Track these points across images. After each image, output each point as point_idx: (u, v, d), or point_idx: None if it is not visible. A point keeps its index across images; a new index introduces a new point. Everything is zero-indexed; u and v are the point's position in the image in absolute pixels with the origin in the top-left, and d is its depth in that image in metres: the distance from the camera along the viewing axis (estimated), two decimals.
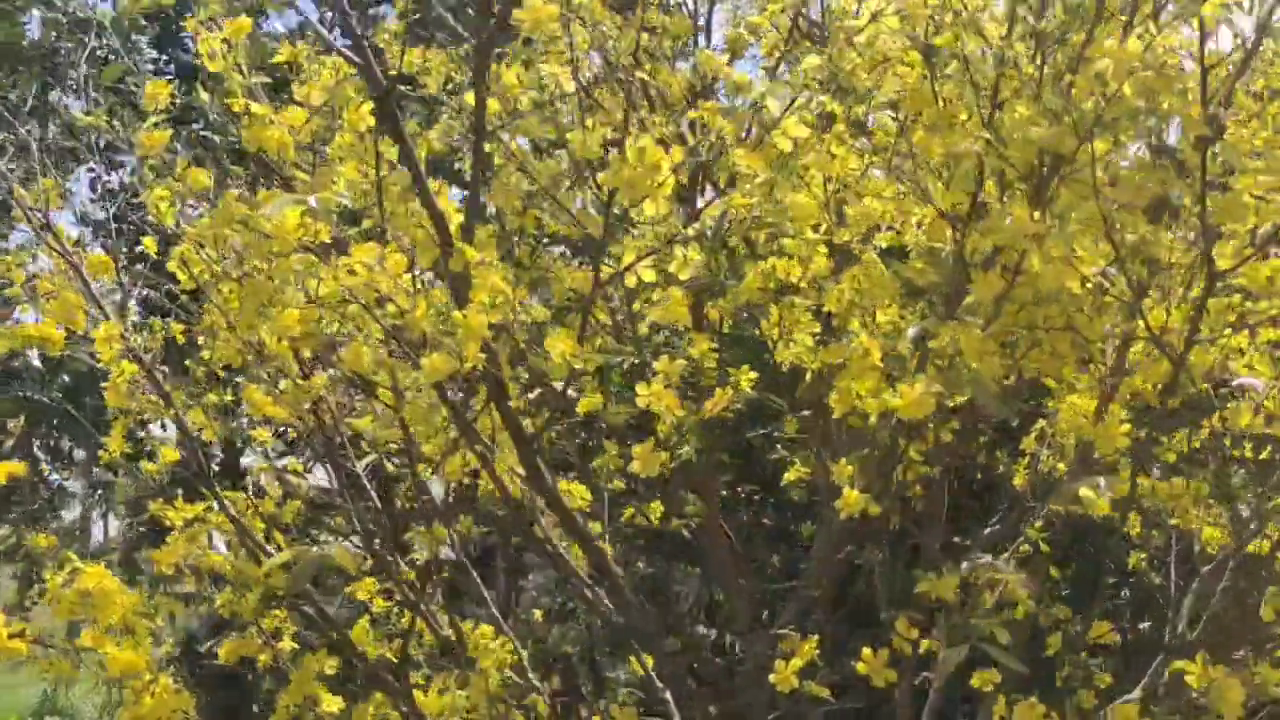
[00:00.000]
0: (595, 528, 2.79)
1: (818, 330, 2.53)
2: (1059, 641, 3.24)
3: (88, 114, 2.51)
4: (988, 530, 2.89)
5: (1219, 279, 2.27)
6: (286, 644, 3.26)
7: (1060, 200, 2.30)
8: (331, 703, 3.09)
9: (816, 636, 2.43)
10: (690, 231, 1.98)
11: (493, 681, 2.75)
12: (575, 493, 2.75)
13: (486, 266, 1.93)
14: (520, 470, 2.33)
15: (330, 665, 3.08)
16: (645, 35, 2.12)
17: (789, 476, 3.03)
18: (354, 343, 2.10)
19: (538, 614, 5.22)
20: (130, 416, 3.12)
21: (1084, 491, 2.39)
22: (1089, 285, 2.35)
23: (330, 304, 2.07)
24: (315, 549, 3.01)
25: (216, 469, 3.19)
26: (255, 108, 2.19)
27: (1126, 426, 2.36)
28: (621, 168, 1.91)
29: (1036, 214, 2.18)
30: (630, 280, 2.05)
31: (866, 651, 2.38)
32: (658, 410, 2.14)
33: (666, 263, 2.07)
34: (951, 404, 2.24)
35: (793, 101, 1.98)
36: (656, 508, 3.00)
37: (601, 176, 1.91)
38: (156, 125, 2.20)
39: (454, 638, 2.87)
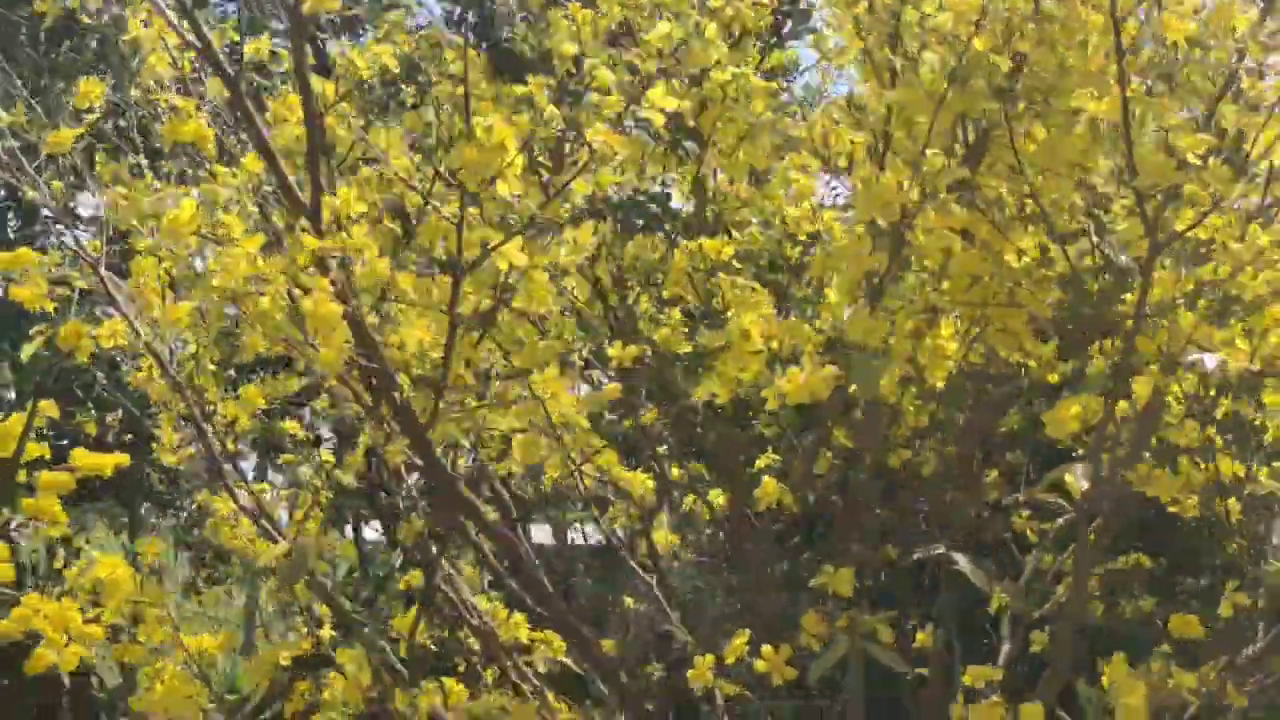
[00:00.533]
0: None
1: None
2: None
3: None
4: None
5: (1159, 248, 2.09)
6: (326, 632, 3.39)
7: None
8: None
9: None
10: (544, 212, 1.93)
11: None
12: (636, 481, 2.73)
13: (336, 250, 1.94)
14: None
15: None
16: None
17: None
18: (251, 335, 2.15)
19: None
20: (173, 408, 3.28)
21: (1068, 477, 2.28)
22: (1024, 260, 2.22)
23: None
24: (314, 539, 3.13)
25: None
26: (178, 102, 2.27)
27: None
28: (465, 148, 1.89)
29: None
30: (502, 264, 2.02)
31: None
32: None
33: (543, 248, 2.04)
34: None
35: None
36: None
37: (446, 158, 1.90)
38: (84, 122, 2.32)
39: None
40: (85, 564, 3.10)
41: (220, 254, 2.10)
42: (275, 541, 3.01)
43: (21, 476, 4.06)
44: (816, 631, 2.14)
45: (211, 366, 2.90)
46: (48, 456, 3.97)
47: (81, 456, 3.59)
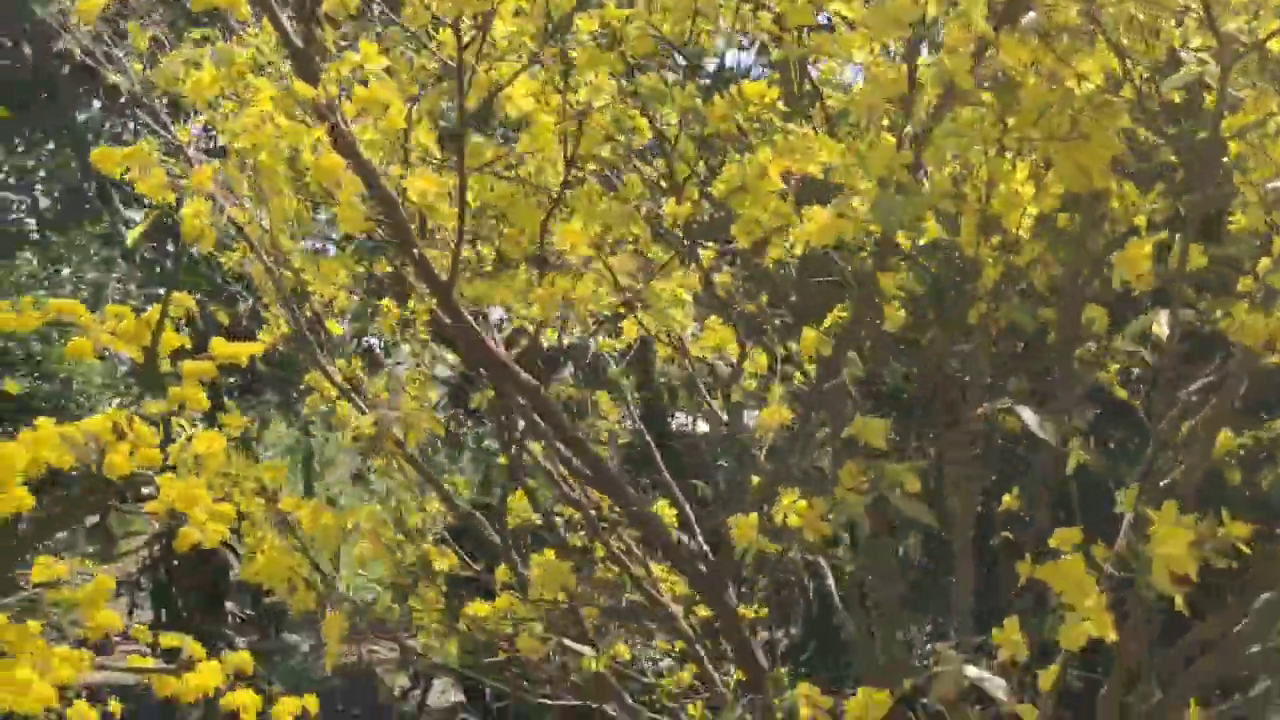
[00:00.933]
0: None
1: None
2: None
3: None
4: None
5: (1230, 60, 1.85)
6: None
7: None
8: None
9: None
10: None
11: None
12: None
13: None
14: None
15: None
16: None
17: None
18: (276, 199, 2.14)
19: None
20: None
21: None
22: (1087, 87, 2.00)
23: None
24: (400, 410, 3.16)
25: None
26: None
27: None
28: None
29: None
30: (511, 109, 1.95)
31: None
32: None
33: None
34: None
35: None
36: None
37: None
38: None
39: None
40: (185, 440, 3.22)
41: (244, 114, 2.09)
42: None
43: (166, 366, 4.24)
44: (854, 484, 2.02)
45: (289, 243, 2.93)
46: (189, 346, 4.13)
47: (219, 346, 3.72)
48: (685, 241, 2.45)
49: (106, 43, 3.04)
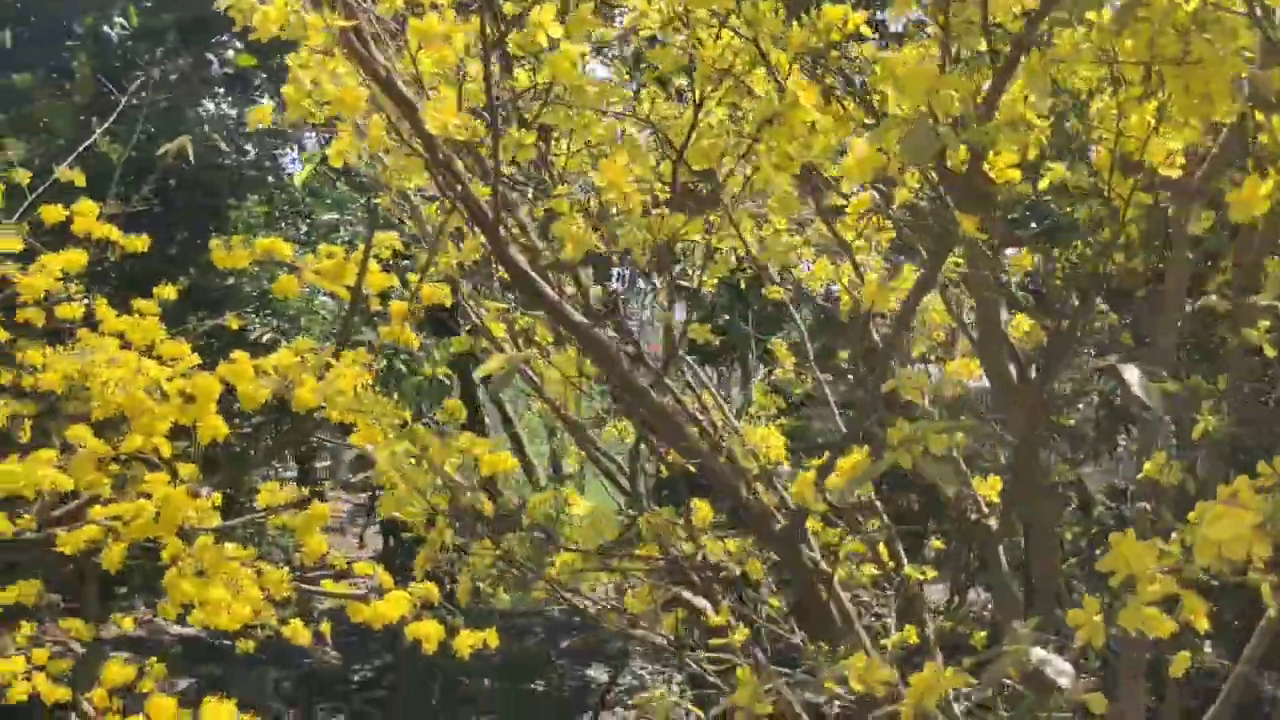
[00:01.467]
0: None
1: None
2: None
3: None
4: None
5: None
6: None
7: None
8: None
9: None
10: None
11: None
12: None
13: None
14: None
15: None
16: None
17: None
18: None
19: None
20: None
21: None
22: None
23: None
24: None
25: None
26: None
27: None
28: None
29: None
30: (540, 36, 1.84)
31: None
32: None
33: None
34: None
35: None
36: None
37: None
38: None
39: None
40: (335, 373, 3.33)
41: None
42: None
43: (375, 305, 4.41)
44: (899, 439, 1.80)
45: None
46: (396, 285, 4.27)
47: (428, 291, 3.84)
48: None
49: None
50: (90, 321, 4.01)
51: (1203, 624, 1.65)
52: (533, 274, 2.13)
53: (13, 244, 4.45)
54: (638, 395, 2.26)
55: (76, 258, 4.48)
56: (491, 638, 3.91)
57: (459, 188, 1.99)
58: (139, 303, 4.34)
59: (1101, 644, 1.71)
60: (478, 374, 3.32)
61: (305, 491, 4.39)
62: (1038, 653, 1.73)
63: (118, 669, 4.16)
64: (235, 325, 4.44)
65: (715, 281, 2.87)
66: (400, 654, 7.93)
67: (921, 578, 3.09)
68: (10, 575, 4.42)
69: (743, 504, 2.33)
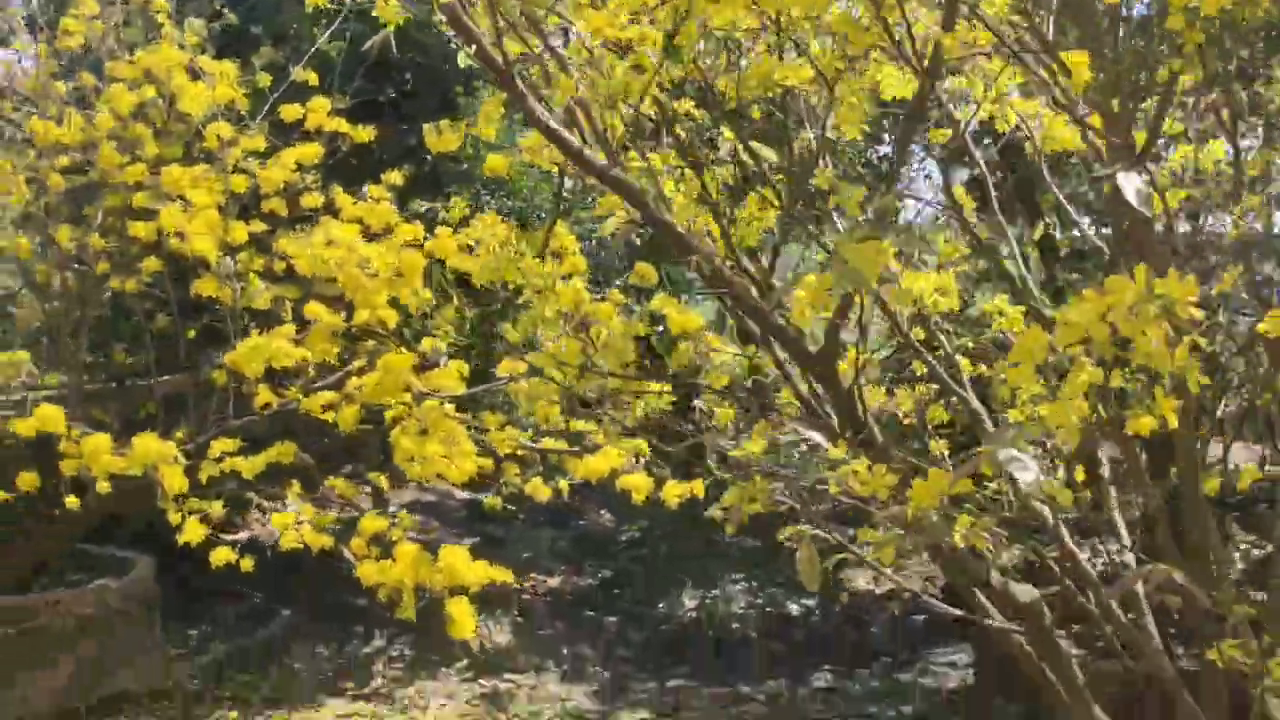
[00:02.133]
0: None
1: None
2: None
3: None
4: None
5: None
6: None
7: None
8: None
9: None
10: None
11: None
12: None
13: None
14: None
15: None
16: None
17: None
18: None
19: None
20: None
21: None
22: None
23: None
24: None
25: None
26: None
27: None
28: None
29: None
30: None
31: None
32: None
33: None
34: None
35: None
36: None
37: None
38: None
39: None
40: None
41: None
42: None
43: None
44: None
45: None
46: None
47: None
48: None
49: None
50: (332, 209, 4.38)
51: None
52: (551, 124, 2.26)
53: (257, 142, 4.90)
54: (656, 225, 2.37)
55: (311, 150, 4.88)
56: (697, 488, 4.12)
57: (474, 46, 2.11)
58: (372, 189, 4.71)
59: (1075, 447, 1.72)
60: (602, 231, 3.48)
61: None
62: (1005, 452, 1.75)
63: (371, 520, 4.62)
64: (462, 206, 4.73)
65: None
66: (660, 517, 8.33)
67: None
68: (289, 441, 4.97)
69: (777, 330, 2.41)
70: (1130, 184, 1.77)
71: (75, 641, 5.81)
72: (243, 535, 7.72)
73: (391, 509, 10.59)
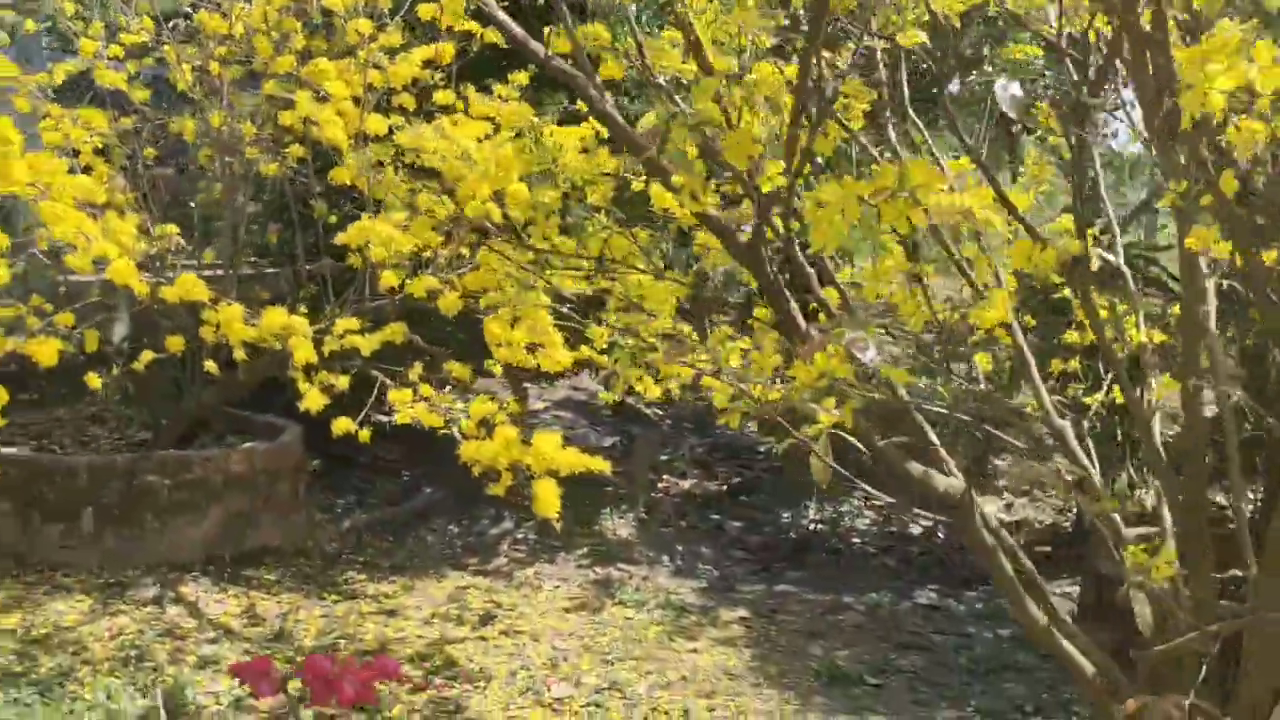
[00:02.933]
0: None
1: None
2: None
3: None
4: None
5: None
6: None
7: None
8: None
9: None
10: None
11: None
12: None
13: None
14: None
15: None
16: None
17: None
18: None
19: None
20: None
21: None
22: None
23: None
24: None
25: None
26: None
27: None
28: None
29: None
30: None
31: None
32: None
33: None
34: None
35: None
36: None
37: None
38: None
39: None
40: None
41: None
42: None
43: None
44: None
45: None
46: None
47: None
48: None
49: None
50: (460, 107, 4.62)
51: None
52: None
53: (394, 39, 5.17)
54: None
55: (443, 50, 5.12)
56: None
57: None
58: (499, 88, 4.94)
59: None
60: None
61: None
62: (850, 335, 1.85)
63: (480, 404, 4.91)
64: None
65: None
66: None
67: None
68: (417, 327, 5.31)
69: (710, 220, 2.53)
70: (1006, 92, 1.83)
71: (223, 496, 6.36)
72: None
73: (542, 404, 11.00)
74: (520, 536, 7.49)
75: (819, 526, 8.14)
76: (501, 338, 4.20)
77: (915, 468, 2.55)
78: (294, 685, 2.30)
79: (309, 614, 5.95)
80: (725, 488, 8.99)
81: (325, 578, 6.50)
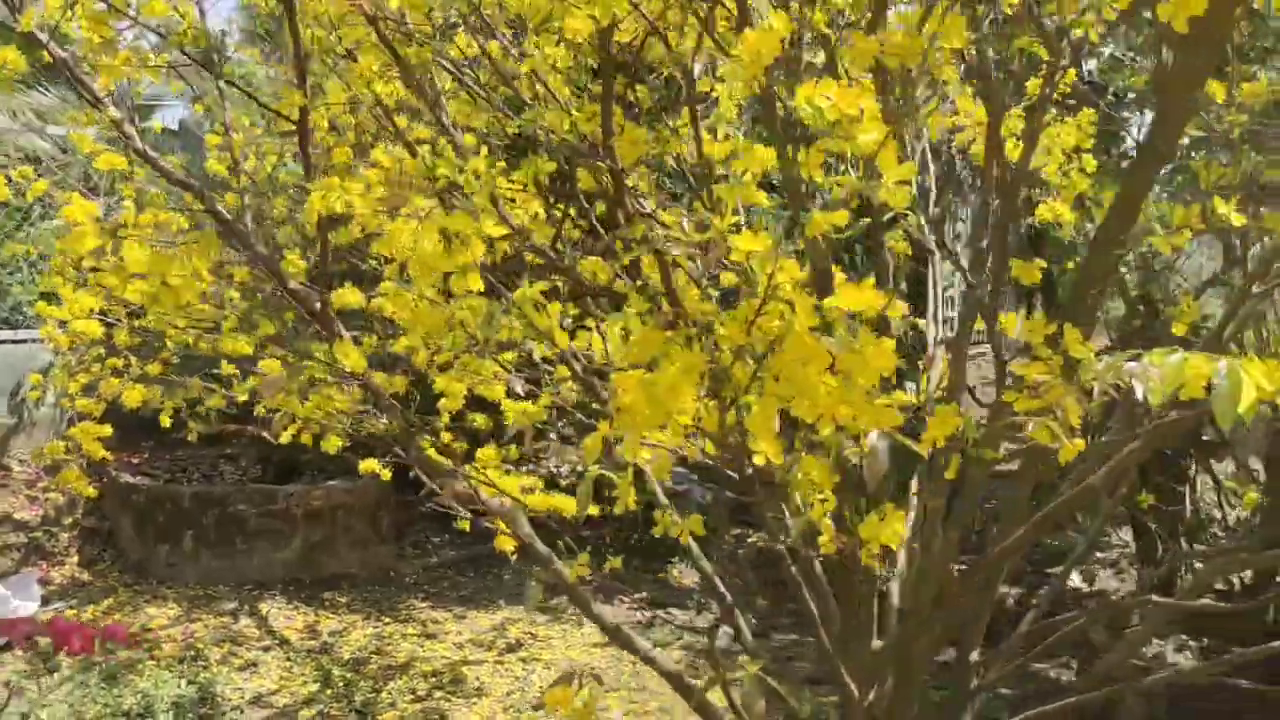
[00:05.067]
0: None
1: None
2: None
3: None
4: None
5: None
6: None
7: None
8: None
9: None
10: None
11: None
12: None
13: None
14: None
15: None
16: None
17: None
18: None
19: None
20: None
21: None
22: None
23: None
24: None
25: None
26: None
27: None
28: None
29: None
30: None
31: None
32: None
33: None
34: None
35: None
36: None
37: None
38: None
39: None
40: None
41: None
42: None
43: None
44: None
45: None
46: None
47: None
48: None
49: None
50: None
51: None
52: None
53: None
54: None
55: None
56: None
57: None
58: None
59: None
60: None
61: None
62: None
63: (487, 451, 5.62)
64: None
65: None
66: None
67: None
68: None
69: None
70: None
71: (302, 527, 7.29)
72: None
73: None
74: (588, 579, 8.11)
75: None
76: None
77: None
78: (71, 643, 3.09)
79: (360, 632, 6.77)
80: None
81: (390, 604, 7.32)
